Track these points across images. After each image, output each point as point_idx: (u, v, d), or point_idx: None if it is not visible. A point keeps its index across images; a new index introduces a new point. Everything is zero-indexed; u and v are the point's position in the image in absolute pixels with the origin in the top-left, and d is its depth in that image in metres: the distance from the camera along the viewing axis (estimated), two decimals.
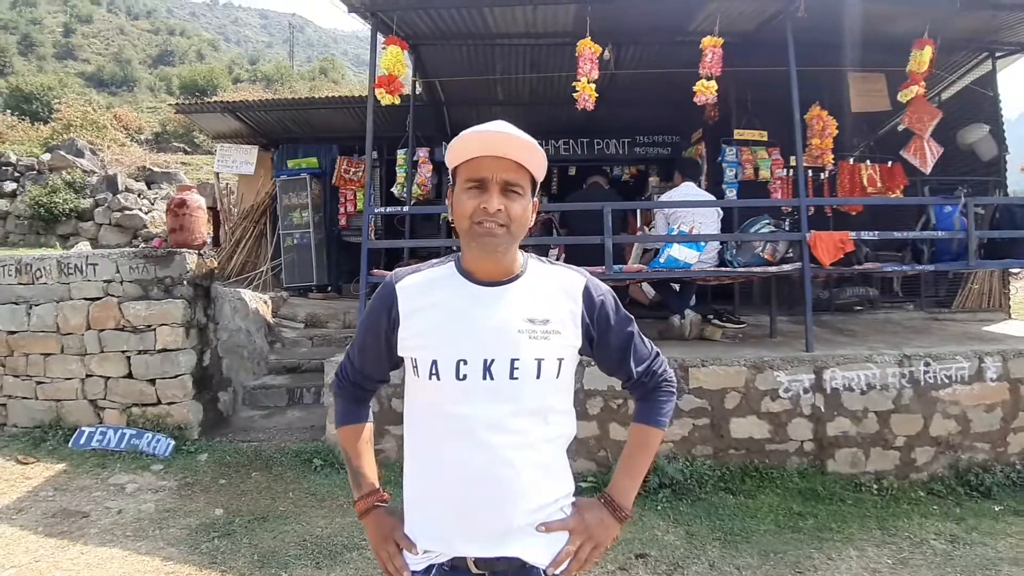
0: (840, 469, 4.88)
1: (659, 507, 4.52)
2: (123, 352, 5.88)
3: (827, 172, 7.08)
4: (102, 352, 5.91)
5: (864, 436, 4.89)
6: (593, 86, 5.62)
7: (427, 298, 1.49)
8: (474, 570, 1.46)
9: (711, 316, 6.48)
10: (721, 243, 5.54)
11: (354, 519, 4.36)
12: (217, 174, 11.82)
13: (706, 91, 5.26)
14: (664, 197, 5.98)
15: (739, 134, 7.09)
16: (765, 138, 7.05)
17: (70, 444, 5.71)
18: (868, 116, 6.91)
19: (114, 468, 5.34)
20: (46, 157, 15.55)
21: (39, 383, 6.04)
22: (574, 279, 1.56)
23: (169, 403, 5.83)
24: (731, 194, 7.10)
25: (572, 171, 10.44)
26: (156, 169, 17.65)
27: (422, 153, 9.39)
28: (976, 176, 7.29)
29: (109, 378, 5.91)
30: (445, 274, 1.52)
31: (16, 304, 6.11)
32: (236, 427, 6.14)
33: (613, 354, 1.61)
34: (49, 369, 6.01)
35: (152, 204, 16.01)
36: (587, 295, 1.54)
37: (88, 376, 5.96)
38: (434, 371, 1.42)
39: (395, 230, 9.99)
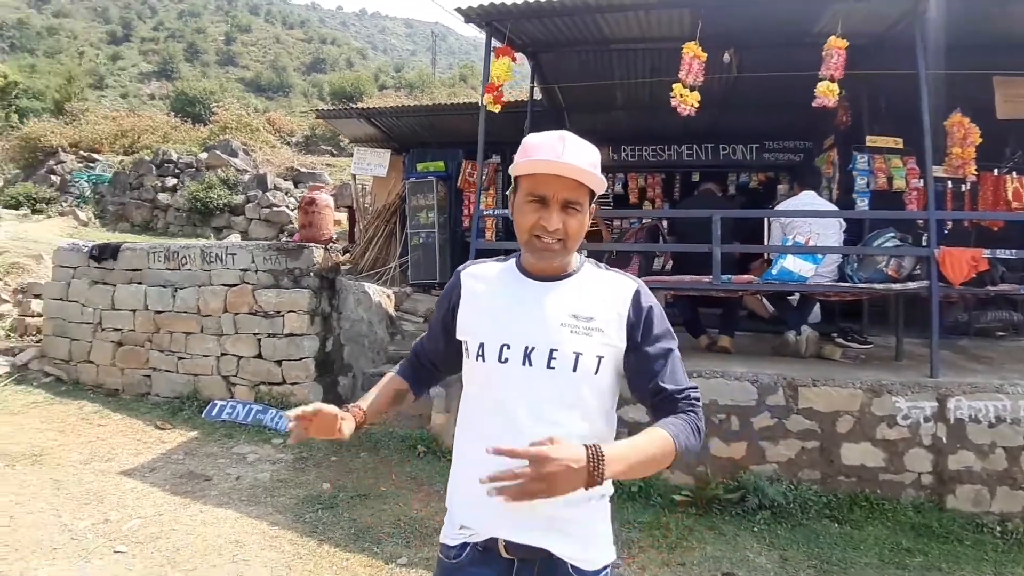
0: (960, 507, 4.49)
1: (755, 528, 4.36)
2: (254, 335, 6.41)
3: (968, 184, 6.50)
4: (236, 333, 6.47)
5: (990, 473, 4.48)
6: (695, 92, 5.45)
7: (485, 287, 1.63)
8: (504, 554, 1.52)
9: (835, 334, 6.17)
10: (842, 257, 5.24)
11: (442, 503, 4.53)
12: (354, 176, 12.50)
13: (828, 94, 5.00)
14: (782, 206, 5.74)
15: (871, 141, 6.64)
16: (900, 145, 6.57)
17: (203, 415, 6.29)
18: (1018, 124, 6.28)
19: (239, 439, 5.83)
20: (204, 156, 17.03)
21: (180, 358, 6.70)
22: (626, 284, 1.60)
23: (293, 383, 6.29)
24: (862, 204, 6.68)
25: (696, 177, 10.18)
26: (303, 169, 18.88)
27: None
28: None
29: (241, 357, 6.46)
30: (505, 268, 1.66)
31: (164, 287, 6.80)
32: None
33: (649, 364, 1.54)
34: (189, 346, 6.65)
35: (298, 202, 17.17)
36: (636, 299, 1.57)
37: (223, 355, 6.54)
38: (480, 353, 1.54)
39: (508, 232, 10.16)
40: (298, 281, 6.35)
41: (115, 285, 7.08)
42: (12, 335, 7.91)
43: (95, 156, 18.80)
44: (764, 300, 6.25)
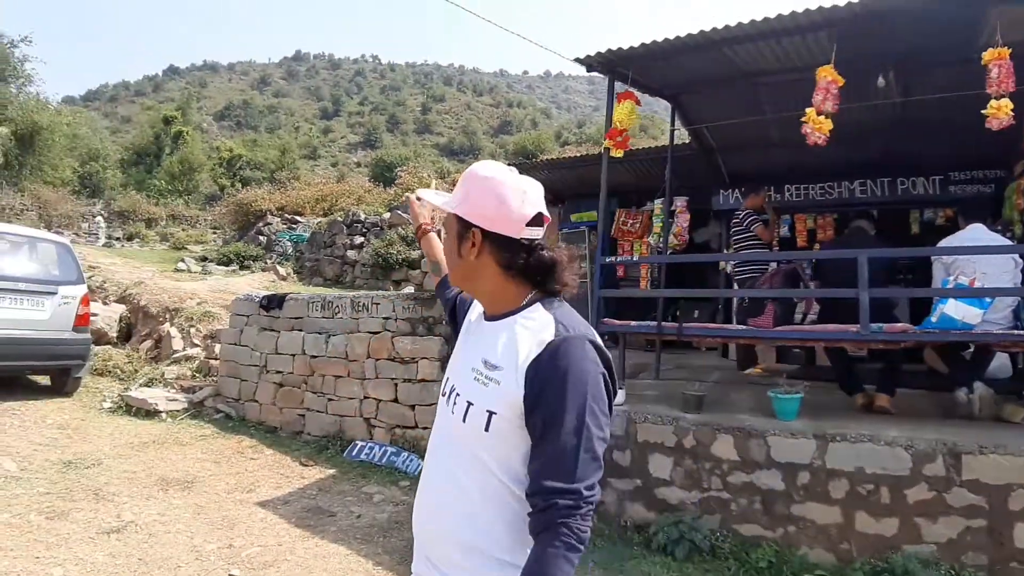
0: None
1: None
2: (391, 379, 6.66)
3: None
4: (376, 378, 6.77)
5: None
6: (825, 120, 4.91)
7: (466, 325, 1.66)
8: None
9: None
10: (1020, 300, 4.39)
11: None
12: None
13: (998, 113, 4.28)
14: (944, 242, 4.95)
15: None
16: None
17: (344, 454, 6.60)
18: None
19: (371, 479, 6.03)
20: (387, 216, 18.36)
21: (329, 400, 7.12)
22: (548, 331, 1.35)
23: (424, 428, 6.43)
24: None
25: (873, 215, 9.19)
26: None
27: (680, 203, 9.13)
28: None
29: (380, 401, 6.73)
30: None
31: (319, 334, 7.30)
32: None
33: (533, 433, 1.31)
34: (338, 389, 7.06)
35: None
36: (544, 353, 1.32)
37: (365, 397, 6.86)
38: (440, 394, 1.58)
39: (676, 279, 9.72)
40: (431, 329, 6.53)
41: (279, 332, 7.73)
42: (198, 375, 8.88)
43: (297, 218, 21.01)
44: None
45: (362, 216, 18.38)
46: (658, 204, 9.07)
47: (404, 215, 18.13)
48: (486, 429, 1.34)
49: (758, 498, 4.57)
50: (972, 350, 4.95)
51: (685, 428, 4.89)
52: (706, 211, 10.00)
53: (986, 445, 3.96)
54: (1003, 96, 4.28)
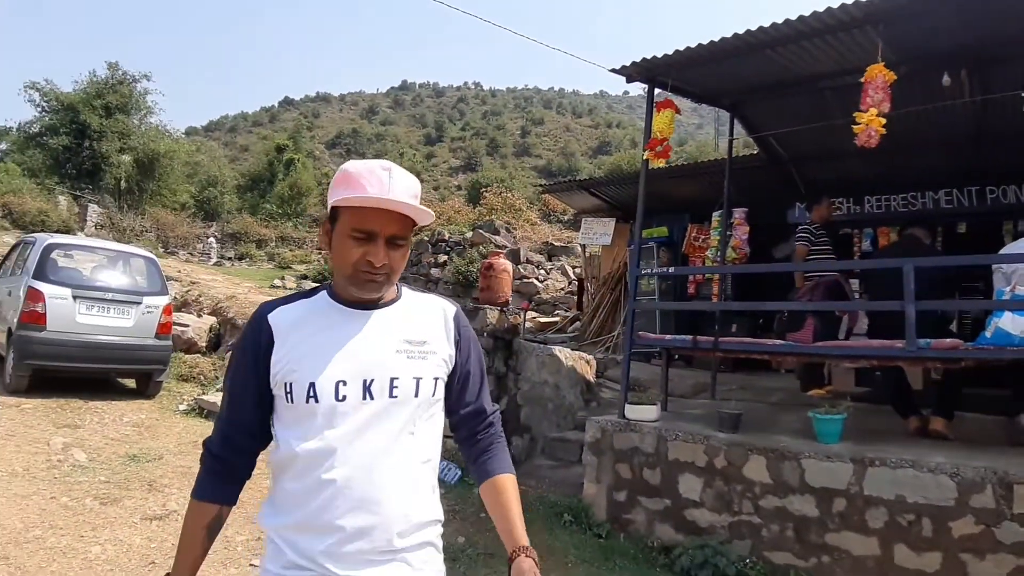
0: None
1: None
2: None
3: None
4: None
5: None
6: (881, 119, 4.57)
7: (301, 322, 1.49)
8: None
9: None
10: None
11: None
12: (583, 246, 12.74)
13: None
14: (1006, 249, 4.48)
15: None
16: None
17: None
18: None
19: None
20: (470, 235, 18.68)
21: None
22: (446, 304, 1.63)
23: None
24: None
25: (962, 228, 8.50)
26: (557, 244, 19.75)
27: (738, 214, 8.75)
28: None
29: None
30: (316, 303, 1.53)
31: None
32: (522, 472, 6.39)
33: (472, 382, 1.64)
34: None
35: (548, 274, 17.94)
36: (457, 318, 1.61)
37: None
38: (312, 393, 1.41)
39: (748, 295, 9.29)
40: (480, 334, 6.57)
41: None
42: None
43: None
44: None
45: (446, 235, 18.79)
46: (716, 216, 8.75)
47: (486, 234, 18.41)
48: (433, 395, 1.51)
49: (791, 524, 4.28)
50: None
51: (716, 447, 4.66)
52: (781, 225, 9.54)
53: None
54: None
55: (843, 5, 4.54)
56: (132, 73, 32.40)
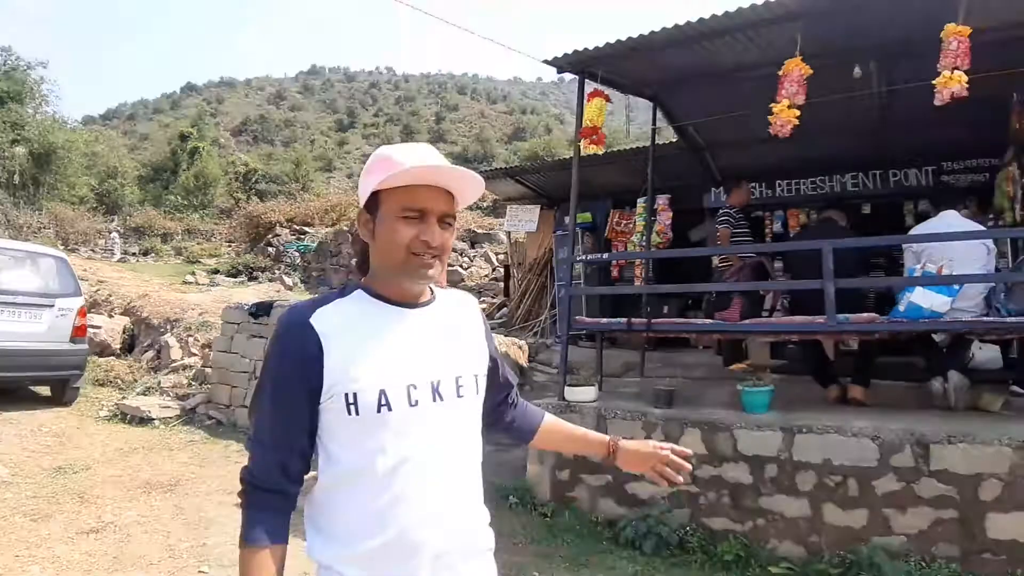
0: None
1: None
2: None
3: None
4: None
5: None
6: (794, 110, 4.87)
7: (350, 324, 1.34)
8: None
9: (1011, 380, 5.09)
10: (991, 287, 4.31)
11: (524, 558, 4.31)
12: (508, 233, 12.86)
13: (949, 83, 4.21)
14: (915, 230, 4.88)
15: None
16: None
17: None
18: None
19: None
20: None
21: None
22: (467, 295, 1.61)
23: None
24: None
25: (867, 209, 9.09)
26: (479, 231, 19.82)
27: (662, 200, 9.10)
28: None
29: None
30: (359, 301, 1.38)
31: None
32: None
33: (502, 371, 1.64)
34: None
35: (471, 261, 18.00)
36: (478, 309, 1.60)
37: None
38: (384, 401, 1.29)
39: (667, 277, 9.65)
40: None
41: (267, 338, 7.78)
42: (193, 383, 8.98)
43: (306, 229, 21.23)
44: None
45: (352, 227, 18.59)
46: (641, 203, 9.04)
47: None
48: (477, 392, 1.47)
49: (726, 491, 4.53)
50: (948, 339, 4.86)
51: (654, 423, 4.87)
52: (698, 210, 9.94)
53: (954, 435, 3.89)
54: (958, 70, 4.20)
55: (767, 3, 4.78)
56: (27, 60, 30.24)
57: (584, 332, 10.52)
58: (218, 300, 12.23)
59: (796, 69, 4.95)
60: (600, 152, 5.93)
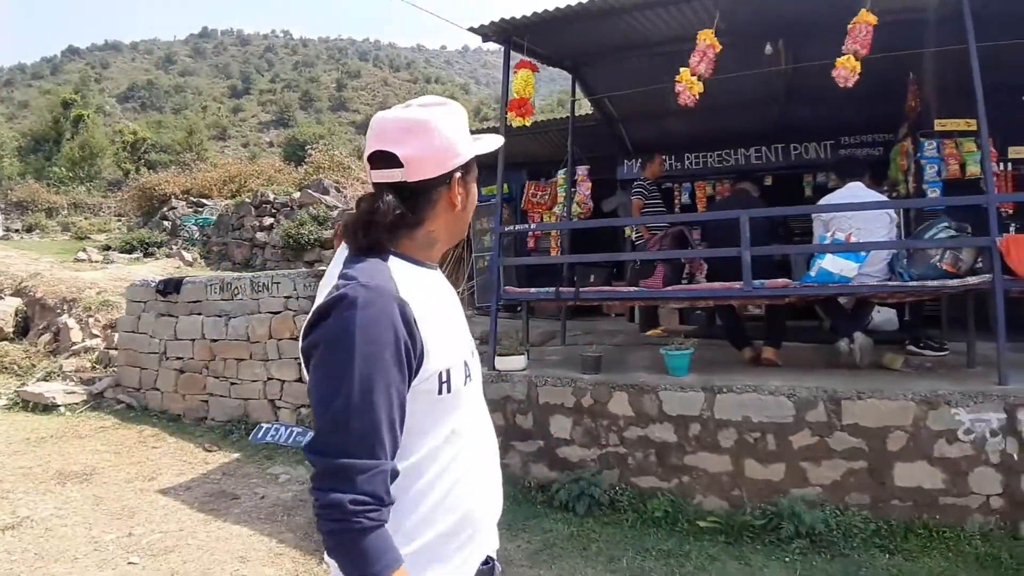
0: None
1: (787, 559, 3.89)
2: (295, 359, 6.52)
3: None
4: (280, 358, 6.66)
5: None
6: (698, 82, 5.08)
7: (427, 293, 1.25)
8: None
9: (907, 340, 5.54)
10: (893, 253, 4.67)
11: None
12: None
13: (847, 64, 4.51)
14: (823, 201, 5.20)
15: (940, 125, 5.97)
16: (973, 127, 5.85)
17: (250, 437, 6.49)
18: None
19: (277, 460, 5.97)
20: (297, 195, 17.89)
21: (232, 384, 6.97)
22: None
23: None
24: (933, 195, 5.99)
25: (768, 181, 9.56)
26: None
27: (581, 171, 9.28)
28: None
29: (284, 381, 6.62)
30: (408, 267, 1.27)
31: (219, 317, 7.11)
32: None
33: None
34: (240, 372, 6.91)
35: None
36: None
37: (269, 379, 6.74)
38: (468, 372, 1.29)
39: (584, 247, 9.84)
40: None
41: (178, 317, 7.48)
42: (98, 366, 8.51)
43: (204, 201, 20.22)
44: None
45: (271, 196, 17.84)
46: (561, 175, 9.17)
47: (315, 194, 17.73)
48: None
49: (653, 451, 4.74)
50: (854, 302, 5.24)
51: (583, 388, 5.02)
52: (612, 181, 10.17)
53: (863, 391, 4.22)
54: (859, 56, 4.48)
55: None
56: None
57: (502, 304, 10.65)
58: (116, 278, 11.55)
59: (706, 41, 5.12)
60: (528, 123, 5.91)
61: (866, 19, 4.50)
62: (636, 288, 5.22)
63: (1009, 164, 5.88)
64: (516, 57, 6.02)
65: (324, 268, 8.37)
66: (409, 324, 1.14)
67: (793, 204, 7.10)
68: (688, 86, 5.05)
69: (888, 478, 4.14)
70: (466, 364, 1.28)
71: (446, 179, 1.29)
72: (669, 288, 5.08)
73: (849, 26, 4.61)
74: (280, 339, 6.65)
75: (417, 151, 1.23)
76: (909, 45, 5.29)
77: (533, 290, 5.96)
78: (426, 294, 1.23)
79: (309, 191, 17.83)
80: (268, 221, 17.31)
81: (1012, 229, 5.49)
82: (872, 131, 8.59)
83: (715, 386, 4.62)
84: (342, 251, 1.30)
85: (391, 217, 1.23)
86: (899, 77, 6.41)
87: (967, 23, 4.24)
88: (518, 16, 5.53)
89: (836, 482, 4.25)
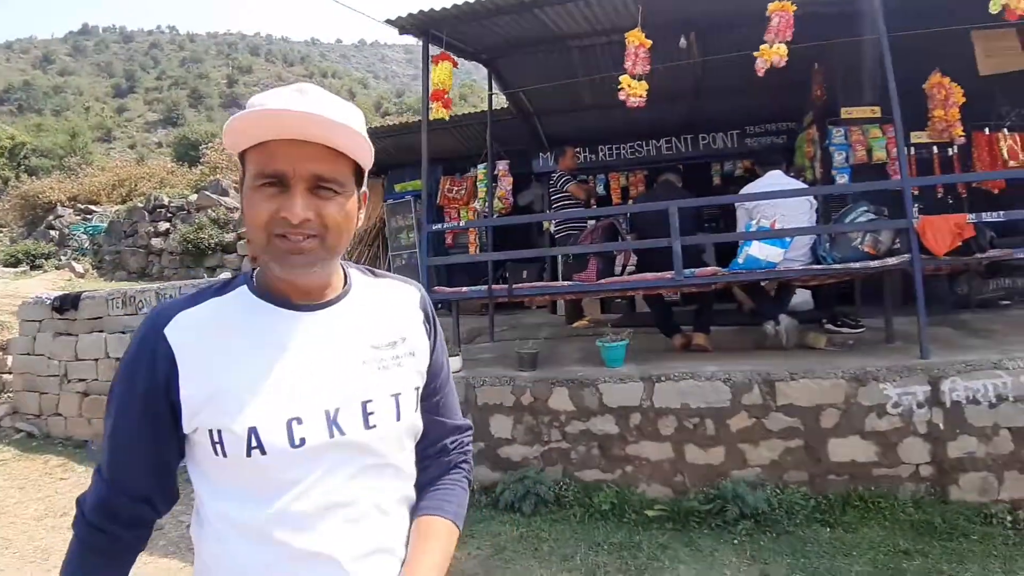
0: (965, 497, 4.05)
1: (735, 541, 3.96)
2: None
3: (955, 147, 6.09)
4: None
5: (995, 458, 4.03)
6: (643, 83, 5.14)
7: (219, 333, 1.04)
8: None
9: (825, 320, 5.77)
10: (815, 238, 4.86)
11: None
12: None
13: (770, 55, 4.65)
14: (745, 190, 5.36)
15: (846, 113, 6.27)
16: (877, 115, 6.18)
17: None
18: (1007, 78, 5.84)
19: None
20: (194, 198, 16.97)
21: None
22: (409, 288, 1.26)
23: None
24: (842, 180, 6.30)
25: (680, 169, 9.81)
26: None
27: (502, 166, 9.24)
28: None
29: None
30: (239, 299, 1.08)
31: (123, 333, 6.62)
32: None
33: (448, 388, 1.30)
34: None
35: None
36: (425, 301, 1.26)
37: None
38: (255, 442, 0.99)
39: (504, 243, 9.79)
40: None
41: (77, 335, 6.91)
42: None
43: (92, 208, 18.88)
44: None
45: (166, 200, 16.85)
46: (481, 169, 9.07)
47: (213, 196, 16.88)
48: (415, 410, 1.17)
49: (595, 443, 4.73)
50: (776, 286, 5.41)
51: (522, 386, 4.95)
52: (528, 174, 10.17)
53: (796, 371, 4.36)
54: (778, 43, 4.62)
55: None
56: None
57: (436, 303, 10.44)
58: (2, 295, 10.58)
59: (635, 41, 5.16)
60: (447, 117, 5.78)
61: (780, 8, 4.62)
62: (571, 282, 5.20)
63: (912, 149, 6.21)
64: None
65: (229, 275, 7.99)
66: (154, 362, 1.01)
67: (703, 193, 7.32)
68: (631, 91, 5.05)
69: (824, 454, 4.28)
70: (292, 424, 1.00)
71: None
72: (603, 281, 5.09)
73: (769, 14, 4.72)
74: None
75: None
76: (815, 37, 5.50)
77: (465, 289, 5.85)
78: (217, 333, 1.03)
79: (207, 193, 16.95)
80: (164, 226, 16.35)
81: (917, 210, 5.83)
82: (776, 120, 8.98)
83: (653, 375, 4.65)
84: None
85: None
86: (803, 68, 6.67)
87: (879, 15, 4.44)
88: (437, 9, 5.39)
89: (774, 462, 4.36)
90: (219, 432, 0.99)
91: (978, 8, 5.11)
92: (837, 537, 3.89)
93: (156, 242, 16.16)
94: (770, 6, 4.69)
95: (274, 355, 1.03)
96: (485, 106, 8.37)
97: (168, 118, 64.77)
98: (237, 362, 1.02)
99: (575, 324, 7.70)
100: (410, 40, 5.88)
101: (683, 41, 5.96)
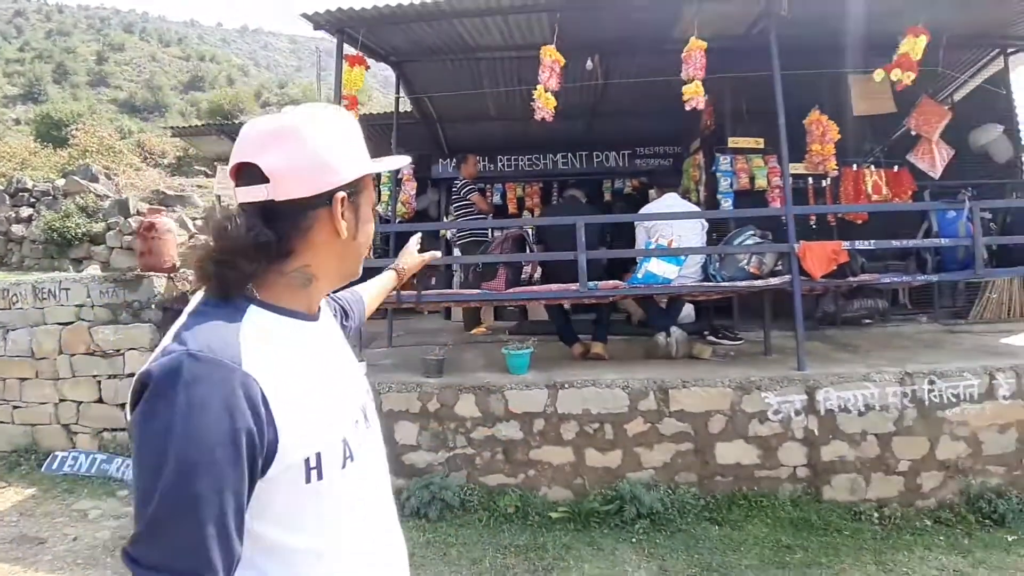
0: (837, 496, 4.52)
1: (634, 539, 4.21)
2: (94, 377, 5.80)
3: (829, 179, 6.73)
4: (74, 377, 5.85)
5: (864, 461, 4.53)
6: (552, 97, 5.37)
7: (284, 359, 0.99)
8: None
9: (707, 332, 6.19)
10: (706, 257, 5.24)
11: None
12: (218, 197, 11.81)
13: (696, 93, 4.99)
14: (644, 210, 5.70)
15: (733, 142, 6.78)
16: (761, 145, 6.73)
17: (43, 469, 5.66)
18: (876, 119, 6.54)
19: (81, 493, 5.24)
20: (60, 183, 15.71)
21: (15, 407, 6.00)
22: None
23: None
24: (726, 204, 6.80)
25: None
26: (171, 193, 17.70)
27: (406, 171, 9.24)
28: (992, 180, 6.90)
29: (81, 403, 5.84)
30: (264, 320, 1.01)
31: None
32: None
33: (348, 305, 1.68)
34: (24, 394, 5.97)
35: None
36: (328, 301, 1.43)
37: (61, 401, 5.90)
38: (348, 452, 1.04)
39: (399, 248, 9.78)
40: (138, 315, 5.78)
41: None
42: None
43: None
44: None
45: (29, 183, 15.47)
46: (385, 173, 9.00)
47: (82, 181, 15.68)
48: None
49: (500, 449, 4.86)
50: (666, 299, 5.77)
51: (429, 392, 5.01)
52: (426, 179, 10.21)
53: (687, 379, 4.68)
54: (695, 80, 4.96)
55: None
56: None
57: None
58: None
59: (551, 57, 5.35)
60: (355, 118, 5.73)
61: (697, 45, 4.96)
62: (479, 291, 5.31)
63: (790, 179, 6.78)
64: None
65: (95, 267, 7.53)
66: (255, 406, 0.89)
67: (595, 207, 7.67)
68: (543, 102, 5.23)
69: (711, 457, 4.63)
70: (345, 443, 1.03)
71: (326, 200, 1.03)
72: (511, 290, 5.24)
73: (683, 54, 5.05)
74: (73, 354, 5.81)
75: (284, 162, 1.00)
76: (711, 71, 5.93)
77: None
78: (287, 360, 0.99)
79: (75, 178, 15.68)
80: (26, 212, 14.98)
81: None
82: (664, 143, 9.53)
83: (557, 382, 4.85)
84: (197, 296, 1.03)
85: (245, 243, 0.96)
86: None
87: (773, 53, 4.87)
88: (357, 8, 5.36)
89: (667, 464, 4.67)
90: (317, 456, 0.97)
91: (859, 54, 5.71)
92: (726, 534, 4.22)
93: (16, 229, 14.79)
94: (691, 42, 5.01)
95: (318, 368, 1.06)
96: (375, 107, 8.34)
97: (29, 93, 59.07)
98: (304, 381, 1.00)
99: (473, 331, 7.82)
100: (296, 31, 5.79)
101: (589, 63, 6.23)
